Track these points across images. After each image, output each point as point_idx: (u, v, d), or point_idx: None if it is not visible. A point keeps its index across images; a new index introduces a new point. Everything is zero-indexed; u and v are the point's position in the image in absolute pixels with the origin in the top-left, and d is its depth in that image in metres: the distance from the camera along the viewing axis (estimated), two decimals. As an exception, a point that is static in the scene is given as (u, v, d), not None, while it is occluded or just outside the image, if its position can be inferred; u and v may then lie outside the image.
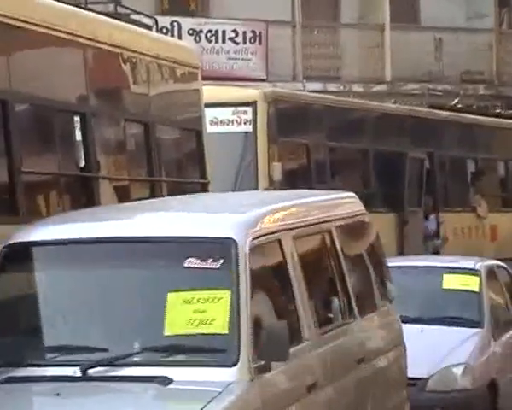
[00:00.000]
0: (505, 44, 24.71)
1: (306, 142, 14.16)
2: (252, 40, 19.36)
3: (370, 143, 15.79)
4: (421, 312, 8.95)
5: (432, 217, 16.41)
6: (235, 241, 4.18)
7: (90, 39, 7.72)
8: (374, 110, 17.04)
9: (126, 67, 8.40)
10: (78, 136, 7.68)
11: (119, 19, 8.61)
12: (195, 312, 4.11)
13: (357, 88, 20.75)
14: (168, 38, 13.71)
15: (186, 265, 4.18)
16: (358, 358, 5.22)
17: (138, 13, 9.63)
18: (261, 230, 4.44)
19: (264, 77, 18.48)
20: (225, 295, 4.08)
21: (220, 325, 4.02)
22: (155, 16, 10.65)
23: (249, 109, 12.83)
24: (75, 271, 4.64)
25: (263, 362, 3.99)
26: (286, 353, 4.00)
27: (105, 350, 4.11)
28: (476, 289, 9.05)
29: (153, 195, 8.57)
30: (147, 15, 10.15)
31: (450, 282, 9.17)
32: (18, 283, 4.71)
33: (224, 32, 19.03)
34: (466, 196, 17.99)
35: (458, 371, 8.10)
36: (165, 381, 3.84)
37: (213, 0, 20.56)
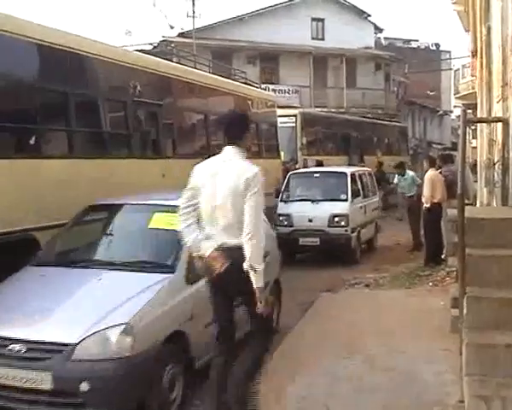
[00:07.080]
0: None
1: (316, 129, 22.38)
2: (295, 91, 33.04)
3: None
4: (111, 253, 5.94)
5: None
6: None
7: (236, 91, 12.65)
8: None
9: (251, 102, 13.33)
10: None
11: (247, 83, 13.89)
12: None
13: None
14: (264, 91, 17.59)
15: None
16: None
17: (255, 82, 15.91)
18: None
19: (299, 105, 27.53)
20: None
21: None
22: (260, 83, 19.18)
23: (294, 117, 20.26)
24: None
25: None
26: None
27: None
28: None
29: (258, 149, 12.95)
30: (256, 83, 16.90)
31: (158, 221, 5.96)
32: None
33: (284, 90, 32.62)
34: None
35: (113, 334, 4.69)
36: None
37: (279, 77, 33.82)
